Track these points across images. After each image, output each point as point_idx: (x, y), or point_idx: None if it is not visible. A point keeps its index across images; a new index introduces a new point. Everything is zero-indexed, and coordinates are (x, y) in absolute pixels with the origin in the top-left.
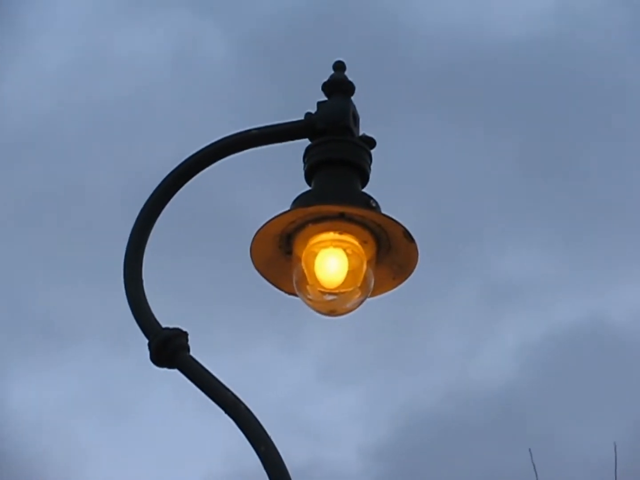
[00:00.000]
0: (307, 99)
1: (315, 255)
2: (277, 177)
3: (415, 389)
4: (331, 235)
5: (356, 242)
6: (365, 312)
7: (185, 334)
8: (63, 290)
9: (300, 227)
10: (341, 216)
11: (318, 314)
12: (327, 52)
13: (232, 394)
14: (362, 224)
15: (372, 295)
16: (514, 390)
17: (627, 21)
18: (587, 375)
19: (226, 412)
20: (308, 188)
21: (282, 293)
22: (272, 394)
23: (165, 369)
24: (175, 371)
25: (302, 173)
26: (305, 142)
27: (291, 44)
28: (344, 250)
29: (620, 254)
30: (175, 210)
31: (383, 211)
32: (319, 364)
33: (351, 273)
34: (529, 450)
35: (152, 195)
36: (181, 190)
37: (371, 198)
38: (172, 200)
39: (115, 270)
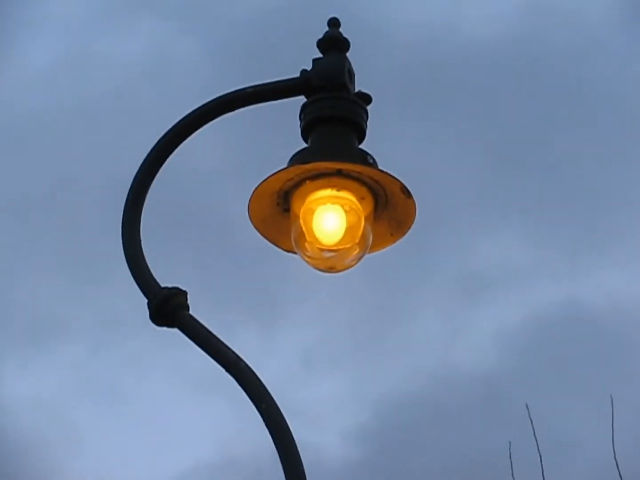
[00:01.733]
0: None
1: (313, 212)
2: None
3: (396, 374)
4: (329, 192)
5: (354, 199)
6: (346, 299)
7: (185, 293)
8: (50, 284)
9: (298, 184)
10: (338, 173)
11: (317, 271)
12: (300, 53)
13: (233, 352)
14: (360, 180)
15: (371, 251)
16: (494, 372)
17: (598, 17)
18: (565, 356)
19: (227, 370)
20: (304, 146)
21: (280, 251)
22: None
23: (165, 328)
24: (174, 335)
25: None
26: (300, 99)
27: (264, 46)
28: (342, 206)
29: (592, 240)
30: (152, 201)
31: (380, 167)
32: (302, 352)
33: (349, 229)
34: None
35: (149, 154)
36: (158, 180)
37: (368, 154)
38: (156, 181)
39: (104, 263)
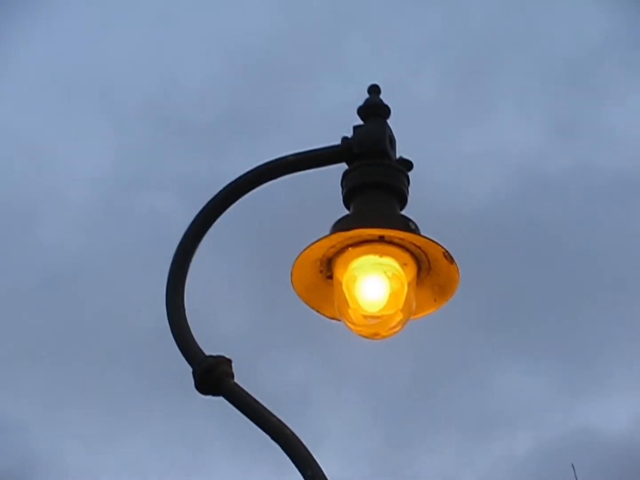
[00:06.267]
0: None
1: (355, 279)
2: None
3: None
4: (371, 258)
5: (396, 265)
6: (363, 432)
7: (229, 361)
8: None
9: (341, 251)
10: (381, 239)
11: (361, 338)
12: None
13: (278, 419)
14: (402, 246)
15: (414, 317)
16: None
17: (589, 185)
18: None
19: (272, 437)
20: (346, 212)
21: (325, 319)
22: None
23: (210, 397)
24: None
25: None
26: (342, 166)
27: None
28: (385, 273)
29: (591, 373)
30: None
31: (422, 233)
32: None
33: (392, 296)
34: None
35: (192, 222)
36: None
37: (410, 220)
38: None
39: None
